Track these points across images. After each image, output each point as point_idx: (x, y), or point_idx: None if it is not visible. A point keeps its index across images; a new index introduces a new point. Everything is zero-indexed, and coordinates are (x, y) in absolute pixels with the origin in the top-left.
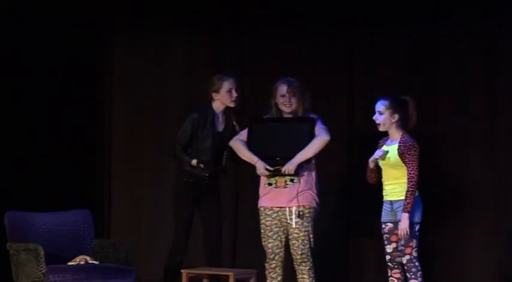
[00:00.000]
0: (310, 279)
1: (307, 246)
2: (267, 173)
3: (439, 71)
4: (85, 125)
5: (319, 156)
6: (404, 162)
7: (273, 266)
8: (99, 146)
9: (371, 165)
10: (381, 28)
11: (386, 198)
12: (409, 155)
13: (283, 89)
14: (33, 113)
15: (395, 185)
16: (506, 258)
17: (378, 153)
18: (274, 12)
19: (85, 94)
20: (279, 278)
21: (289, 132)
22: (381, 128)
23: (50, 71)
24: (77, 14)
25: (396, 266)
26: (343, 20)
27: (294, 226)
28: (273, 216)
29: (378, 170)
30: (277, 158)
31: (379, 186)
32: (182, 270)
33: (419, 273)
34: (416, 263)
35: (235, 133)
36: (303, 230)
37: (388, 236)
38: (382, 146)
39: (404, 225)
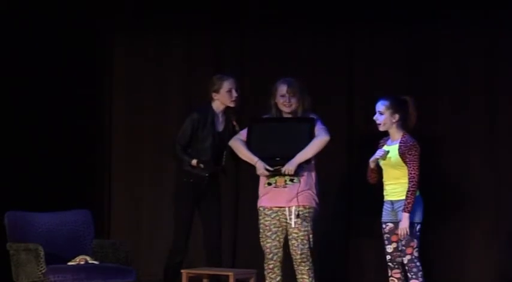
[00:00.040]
0: (310, 279)
1: (307, 246)
2: (266, 173)
3: (439, 71)
4: (85, 125)
5: (319, 156)
6: (405, 162)
7: (271, 266)
8: (99, 146)
9: (372, 165)
10: (381, 28)
11: (387, 198)
12: (409, 155)
13: (283, 89)
14: (33, 113)
15: (396, 185)
16: (506, 258)
17: (378, 153)
18: (274, 12)
19: (85, 94)
20: (278, 279)
21: (289, 132)
22: (381, 128)
23: (50, 71)
24: (77, 14)
25: (396, 266)
26: (343, 20)
27: (293, 226)
28: (272, 216)
29: (379, 170)
30: (277, 158)
31: (379, 186)
32: (182, 270)
33: (420, 273)
34: (418, 263)
35: (235, 133)
36: (303, 229)
37: (388, 236)
38: (382, 146)
39: (404, 225)
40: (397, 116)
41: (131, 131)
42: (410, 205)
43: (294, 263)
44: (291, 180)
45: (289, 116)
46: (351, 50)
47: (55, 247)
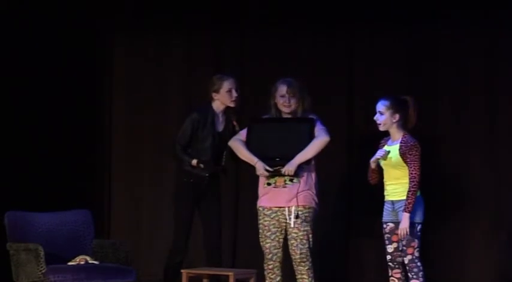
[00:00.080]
0: (310, 279)
1: (306, 246)
2: (266, 173)
3: (439, 71)
4: (85, 125)
5: (319, 156)
6: (405, 162)
7: (270, 266)
8: (99, 146)
9: (372, 165)
10: (381, 28)
11: (387, 198)
12: (410, 155)
13: (282, 89)
14: (33, 113)
15: (396, 185)
16: (506, 258)
17: (379, 154)
18: (274, 12)
19: (85, 94)
20: (278, 279)
21: (288, 132)
22: (382, 128)
23: (50, 71)
24: (77, 14)
25: (397, 266)
26: (343, 20)
27: (292, 226)
28: (272, 216)
29: (380, 170)
30: (277, 159)
31: (379, 186)
32: (182, 270)
33: (421, 274)
34: (418, 263)
35: (235, 133)
36: (302, 229)
37: (389, 235)
38: (383, 146)
39: (404, 225)
40: (397, 116)
41: (131, 131)
42: (411, 205)
43: (294, 263)
44: (291, 180)
45: (289, 116)
46: (351, 50)
47: (55, 247)
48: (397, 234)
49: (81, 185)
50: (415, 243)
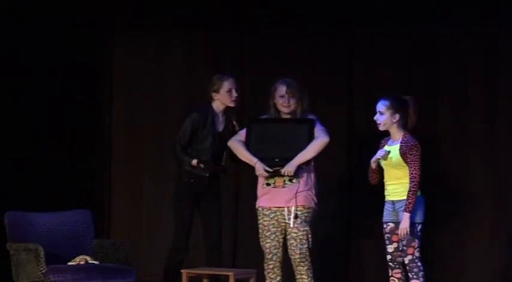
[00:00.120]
0: (309, 279)
1: (306, 246)
2: (266, 174)
3: (439, 71)
4: (85, 125)
5: (319, 156)
6: (406, 162)
7: (271, 266)
8: (99, 146)
9: (373, 165)
10: (381, 28)
11: (388, 198)
12: (411, 155)
13: (282, 89)
14: (33, 113)
15: (397, 185)
16: (506, 258)
17: (379, 154)
18: (274, 12)
19: (85, 94)
20: (278, 278)
21: (288, 133)
22: (382, 128)
23: (50, 71)
24: (77, 14)
25: (397, 266)
26: (343, 20)
27: (292, 226)
28: (271, 216)
29: (380, 170)
30: (276, 160)
31: (379, 186)
32: (182, 270)
33: (421, 274)
34: (419, 263)
35: (235, 133)
36: (301, 229)
37: (389, 235)
38: (383, 146)
39: (404, 225)
40: (397, 116)
41: (131, 131)
42: (411, 205)
43: (293, 263)
44: (290, 181)
45: (288, 116)
46: (351, 50)
47: (55, 247)
48: (397, 234)
49: (81, 185)
50: (416, 243)
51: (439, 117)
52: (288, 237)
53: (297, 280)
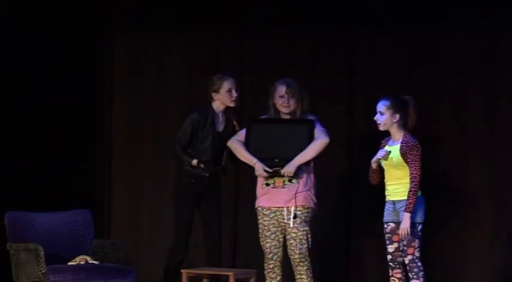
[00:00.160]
0: (309, 279)
1: (305, 246)
2: (265, 174)
3: (439, 71)
4: (85, 125)
5: (319, 156)
6: (406, 162)
7: (271, 266)
8: (99, 146)
9: (373, 166)
10: (381, 28)
11: (388, 198)
12: (411, 155)
13: (281, 89)
14: (33, 113)
15: (397, 185)
16: (506, 258)
17: (380, 154)
18: (274, 12)
19: (85, 94)
20: (278, 278)
21: (288, 133)
22: (382, 128)
23: (50, 71)
24: (77, 14)
25: (397, 266)
26: (343, 20)
27: (291, 226)
28: (271, 216)
29: (381, 170)
30: (276, 160)
31: (379, 186)
32: (182, 270)
33: (421, 274)
34: (419, 263)
35: (235, 133)
36: (301, 229)
37: (390, 235)
38: (384, 146)
39: (405, 225)
40: (397, 116)
41: (131, 131)
42: (411, 205)
43: (293, 263)
44: (290, 181)
45: (288, 116)
46: (351, 50)
47: (55, 247)
48: (397, 234)
49: (81, 185)
50: (416, 243)
51: (439, 117)
52: (288, 237)
53: (296, 280)
